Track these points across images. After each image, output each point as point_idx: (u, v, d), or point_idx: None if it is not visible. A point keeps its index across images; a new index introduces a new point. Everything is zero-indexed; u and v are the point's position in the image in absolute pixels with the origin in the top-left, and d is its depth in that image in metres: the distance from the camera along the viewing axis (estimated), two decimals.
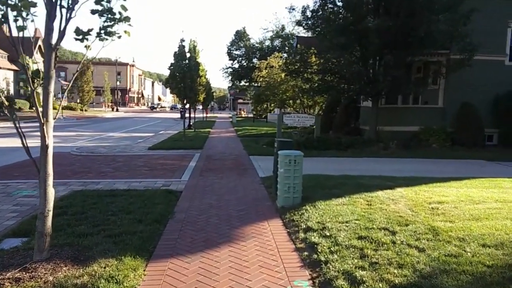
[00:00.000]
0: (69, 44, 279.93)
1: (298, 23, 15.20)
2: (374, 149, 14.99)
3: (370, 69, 14.63)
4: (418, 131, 17.32)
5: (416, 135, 17.22)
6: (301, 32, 50.42)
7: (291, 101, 25.69)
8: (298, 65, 15.90)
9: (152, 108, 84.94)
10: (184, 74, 17.48)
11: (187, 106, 22.28)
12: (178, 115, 41.91)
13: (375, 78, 14.15)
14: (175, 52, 17.34)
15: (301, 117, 17.05)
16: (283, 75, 24.77)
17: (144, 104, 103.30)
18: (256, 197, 7.34)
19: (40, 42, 56.80)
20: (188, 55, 18.08)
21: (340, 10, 14.93)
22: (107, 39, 4.08)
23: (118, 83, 72.82)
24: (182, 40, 17.45)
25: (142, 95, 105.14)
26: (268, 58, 29.60)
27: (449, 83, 17.21)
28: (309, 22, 14.88)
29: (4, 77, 50.20)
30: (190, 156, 13.18)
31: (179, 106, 77.30)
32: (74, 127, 28.09)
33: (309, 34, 45.72)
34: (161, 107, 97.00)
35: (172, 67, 17.42)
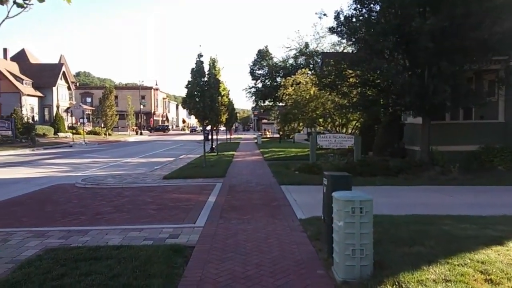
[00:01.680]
0: (97, 70, 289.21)
1: (331, 30, 13.06)
2: (430, 174, 12.45)
3: (421, 79, 12.25)
4: (478, 150, 14.66)
5: (476, 155, 14.56)
6: (326, 48, 48.52)
7: (321, 120, 23.40)
8: (332, 77, 13.69)
9: (193, 130, 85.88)
10: (203, 93, 15.59)
11: (208, 127, 20.37)
12: (201, 137, 40.32)
13: (432, 89, 11.75)
14: (193, 69, 15.52)
15: (338, 138, 14.77)
16: (312, 91, 22.62)
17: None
18: (300, 259, 5.07)
19: (64, 68, 57.45)
20: (207, 71, 16.25)
21: (381, 12, 12.74)
22: None
23: (142, 106, 72.60)
24: (200, 56, 15.65)
25: (167, 118, 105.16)
26: (294, 75, 27.61)
27: (511, 94, 14.58)
28: (344, 28, 12.73)
29: (29, 103, 50.36)
30: (210, 187, 11.07)
31: (198, 128, 75.51)
32: (92, 153, 26.73)
33: (339, 47, 43.61)
34: (181, 129, 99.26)
35: (189, 86, 15.58)
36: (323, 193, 5.31)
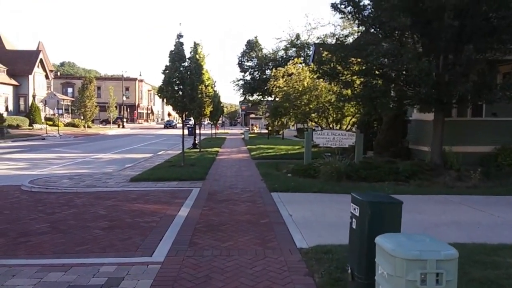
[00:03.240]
0: (83, 61, 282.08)
1: (333, 6, 11.04)
2: (446, 181, 10.58)
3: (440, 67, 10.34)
4: (494, 152, 12.91)
5: (491, 157, 12.79)
6: (319, 38, 46.49)
7: (314, 115, 21.40)
8: (333, 63, 11.67)
9: (168, 125, 63.63)
10: (183, 80, 13.43)
11: (191, 121, 18.23)
12: (186, 132, 38.05)
13: (453, 79, 9.85)
14: (171, 51, 13.32)
15: (337, 135, 12.79)
16: (306, 83, 20.59)
17: (154, 120, 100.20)
18: None
19: (41, 55, 54.26)
20: (188, 56, 14.07)
21: None
22: None
23: (124, 98, 69.66)
24: (180, 36, 13.43)
25: (152, 111, 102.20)
26: (286, 66, 25.54)
27: None
28: (350, 4, 10.72)
29: (3, 92, 47.22)
30: (185, 193, 8.97)
31: (175, 122, 64.84)
32: (63, 147, 24.28)
33: (331, 38, 41.66)
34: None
35: (167, 71, 13.40)
36: (351, 228, 3.30)
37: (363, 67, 11.71)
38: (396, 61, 10.41)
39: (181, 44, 13.46)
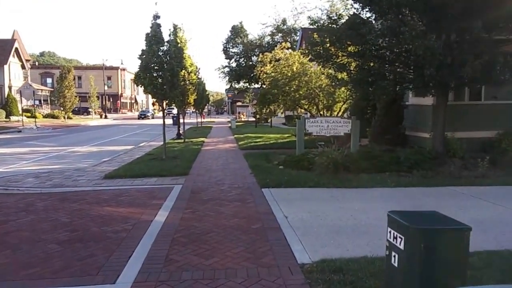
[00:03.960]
0: (64, 51, 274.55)
1: None
2: (451, 170, 9.75)
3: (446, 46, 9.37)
4: (496, 137, 12.16)
5: (493, 143, 12.05)
6: (305, 25, 45.25)
7: (303, 101, 20.39)
8: (327, 45, 10.63)
9: (142, 115, 57.84)
10: (162, 65, 12.24)
11: (174, 110, 17.05)
12: (170, 122, 36.63)
13: (459, 59, 8.93)
14: (147, 34, 12.07)
15: (332, 122, 11.84)
16: (295, 67, 19.52)
17: (138, 110, 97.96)
18: None
19: (17, 44, 51.78)
20: (167, 40, 12.85)
21: None
22: None
23: (106, 87, 67.44)
24: (156, 17, 12.16)
25: (136, 101, 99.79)
26: (273, 51, 24.39)
27: None
28: None
29: None
30: (165, 192, 7.91)
31: (151, 111, 61.15)
32: (38, 139, 22.83)
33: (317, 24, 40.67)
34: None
35: (143, 56, 12.18)
36: (389, 264, 2.30)
37: (359, 48, 10.70)
38: (397, 40, 9.43)
39: (158, 25, 12.22)
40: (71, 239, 5.15)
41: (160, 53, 12.43)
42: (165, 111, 13.51)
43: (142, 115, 57.40)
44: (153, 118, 55.85)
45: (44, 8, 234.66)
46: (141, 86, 12.69)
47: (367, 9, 10.75)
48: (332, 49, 10.69)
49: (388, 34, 9.43)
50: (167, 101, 13.01)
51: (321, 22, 11.34)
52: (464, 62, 8.96)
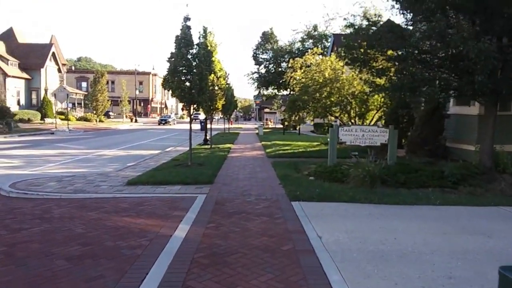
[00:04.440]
0: (100, 57, 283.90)
1: None
2: (503, 188, 8.76)
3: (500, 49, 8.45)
4: None
5: None
6: (336, 31, 44.32)
7: (334, 108, 19.58)
8: (364, 47, 9.88)
9: (163, 121, 52.56)
10: (191, 69, 11.86)
11: (201, 116, 16.66)
12: (198, 127, 36.55)
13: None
14: (177, 36, 11.73)
15: (367, 131, 11.03)
16: (327, 73, 18.77)
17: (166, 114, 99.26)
18: None
19: (54, 49, 53.51)
20: (197, 42, 12.46)
21: None
22: None
23: (137, 92, 68.68)
24: (187, 19, 11.82)
25: (166, 105, 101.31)
26: (304, 56, 23.71)
27: None
28: None
29: (14, 86, 46.55)
30: (188, 202, 7.39)
31: (173, 116, 57.30)
32: (69, 142, 23.07)
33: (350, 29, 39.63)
34: (180, 117, 78.64)
35: (172, 58, 11.84)
36: None
37: (400, 52, 9.90)
38: (443, 43, 8.58)
39: (188, 27, 11.86)
40: (82, 255, 4.67)
41: (189, 56, 12.05)
42: (192, 116, 13.07)
43: (163, 121, 52.11)
44: (175, 124, 52.53)
45: (80, 13, 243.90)
46: (169, 90, 12.33)
47: (409, 11, 9.97)
48: (370, 53, 9.94)
49: (434, 37, 8.60)
50: (195, 106, 12.56)
51: (358, 24, 10.56)
52: None
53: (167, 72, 12.09)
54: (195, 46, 12.24)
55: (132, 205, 7.18)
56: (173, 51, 11.99)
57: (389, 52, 10.03)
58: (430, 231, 5.78)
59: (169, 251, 4.78)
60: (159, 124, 50.32)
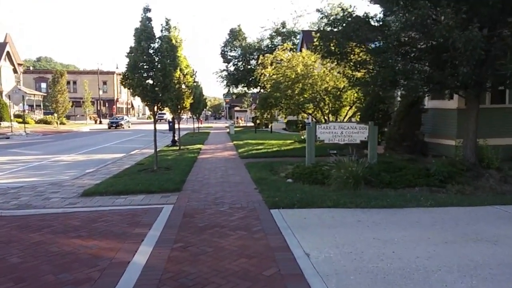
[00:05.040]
0: (61, 57, 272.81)
1: None
2: (492, 184, 8.30)
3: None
4: None
5: None
6: (306, 26, 43.96)
7: (309, 105, 18.94)
8: (340, 39, 9.18)
9: (114, 124, 43.26)
10: (153, 64, 10.81)
11: (166, 116, 15.53)
12: (166, 127, 35.12)
13: (497, 54, 7.52)
14: (136, 29, 10.64)
15: (346, 128, 10.39)
16: (299, 69, 18.10)
17: (134, 115, 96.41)
18: None
19: (9, 48, 50.29)
20: (159, 35, 11.38)
21: None
22: None
23: (101, 92, 65.91)
24: (146, 10, 10.74)
25: (132, 106, 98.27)
26: (274, 52, 22.95)
27: None
28: None
29: None
30: (151, 215, 6.41)
31: (127, 119, 47.55)
32: (23, 147, 21.27)
33: (316, 26, 39.25)
34: (147, 117, 72.31)
35: (131, 53, 10.74)
36: None
37: (378, 44, 9.28)
38: (426, 33, 7.99)
39: (149, 19, 10.81)
40: None
41: (151, 51, 11.01)
42: (156, 116, 12.01)
43: (114, 124, 42.98)
44: (129, 126, 45.50)
45: (38, 13, 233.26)
46: (129, 88, 11.22)
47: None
48: (348, 45, 9.25)
49: (416, 26, 7.98)
50: (159, 105, 11.50)
51: (332, 17, 9.84)
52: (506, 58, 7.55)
53: (126, 69, 10.97)
54: (157, 40, 11.19)
55: (84, 222, 6.11)
56: (133, 45, 10.90)
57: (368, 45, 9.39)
58: (430, 240, 5.10)
59: (125, 285, 3.82)
60: (109, 128, 42.37)
